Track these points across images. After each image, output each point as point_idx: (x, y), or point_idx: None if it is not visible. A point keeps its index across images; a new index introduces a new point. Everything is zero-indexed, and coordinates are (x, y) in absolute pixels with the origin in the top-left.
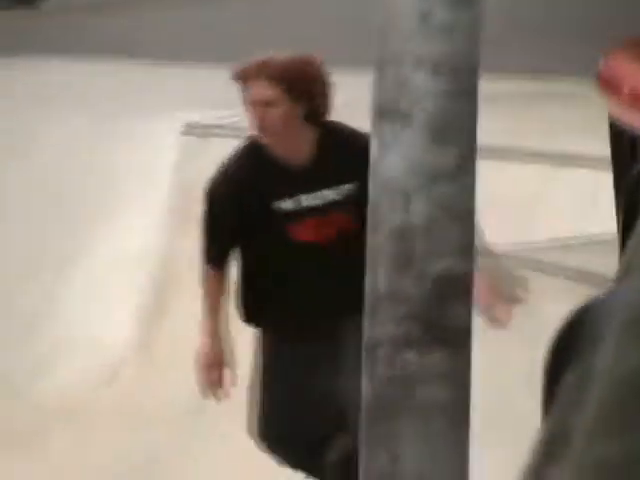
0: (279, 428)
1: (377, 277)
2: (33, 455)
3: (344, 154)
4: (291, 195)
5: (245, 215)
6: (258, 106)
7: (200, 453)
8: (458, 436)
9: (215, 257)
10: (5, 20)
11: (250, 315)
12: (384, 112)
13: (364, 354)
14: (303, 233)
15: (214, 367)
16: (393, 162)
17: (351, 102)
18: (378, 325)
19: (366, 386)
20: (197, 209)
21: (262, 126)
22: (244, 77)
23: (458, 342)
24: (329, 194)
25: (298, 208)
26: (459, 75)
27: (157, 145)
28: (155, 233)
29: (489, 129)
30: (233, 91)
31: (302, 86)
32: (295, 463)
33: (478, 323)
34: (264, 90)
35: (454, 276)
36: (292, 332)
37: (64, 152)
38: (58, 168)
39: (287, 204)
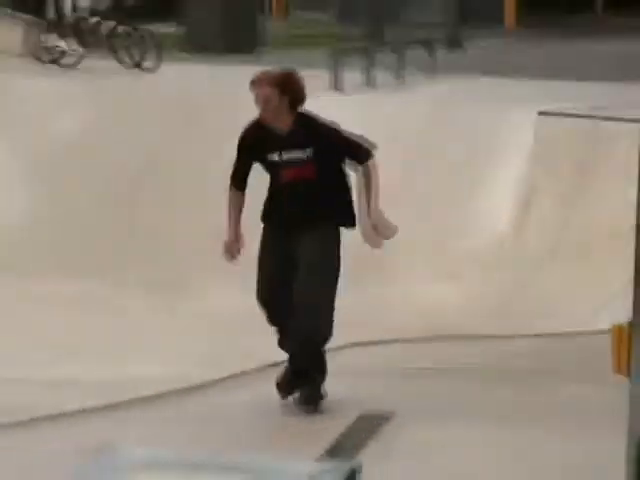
0: (259, 287)
1: None
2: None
3: (308, 130)
4: (278, 151)
5: (256, 159)
6: (264, 98)
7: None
8: None
9: (236, 180)
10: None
11: (262, 216)
12: None
13: None
14: (285, 176)
15: (231, 246)
16: None
17: None
18: None
19: None
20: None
21: (265, 111)
22: (254, 82)
23: None
24: (298, 153)
25: (280, 160)
26: None
27: (520, 123)
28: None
29: None
30: (572, 93)
31: (288, 87)
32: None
33: None
34: (267, 89)
35: None
36: (275, 229)
37: (464, 128)
38: (462, 138)
39: (274, 156)
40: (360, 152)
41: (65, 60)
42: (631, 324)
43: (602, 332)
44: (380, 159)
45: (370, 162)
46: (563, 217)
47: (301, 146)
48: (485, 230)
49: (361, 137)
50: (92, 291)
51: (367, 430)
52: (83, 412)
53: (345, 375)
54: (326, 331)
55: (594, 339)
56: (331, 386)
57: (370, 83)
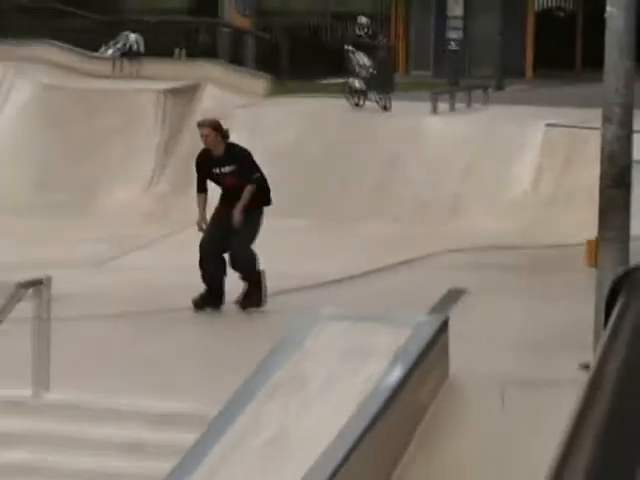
0: (201, 248)
1: None
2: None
3: (233, 153)
4: (217, 167)
5: (206, 173)
6: (205, 136)
7: None
8: None
9: (198, 187)
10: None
11: (218, 203)
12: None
13: None
14: (225, 182)
15: (199, 223)
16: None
17: None
18: None
19: None
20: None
21: (206, 143)
22: (199, 125)
23: None
24: (228, 168)
25: (220, 173)
26: None
27: (535, 129)
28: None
29: None
30: (563, 114)
31: (219, 128)
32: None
33: None
34: (206, 130)
35: None
36: (219, 209)
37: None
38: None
39: (216, 171)
40: (250, 177)
41: (360, 102)
42: (597, 238)
43: (581, 244)
44: (458, 150)
45: (250, 185)
46: (558, 182)
47: (228, 163)
48: (516, 188)
49: (253, 166)
50: (312, 224)
51: (453, 299)
52: (322, 284)
53: (441, 269)
54: (254, 267)
55: (577, 248)
56: (432, 276)
57: (452, 109)
